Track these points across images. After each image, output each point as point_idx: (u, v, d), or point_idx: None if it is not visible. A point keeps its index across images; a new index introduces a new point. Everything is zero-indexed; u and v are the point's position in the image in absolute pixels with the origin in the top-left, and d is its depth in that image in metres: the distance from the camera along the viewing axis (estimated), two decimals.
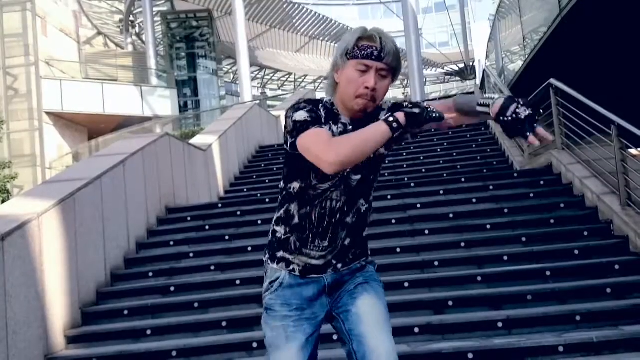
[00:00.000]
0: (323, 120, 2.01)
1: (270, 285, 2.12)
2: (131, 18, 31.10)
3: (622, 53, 8.78)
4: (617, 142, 5.52)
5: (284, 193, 2.12)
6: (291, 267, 2.10)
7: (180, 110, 26.83)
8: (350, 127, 2.04)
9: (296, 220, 2.08)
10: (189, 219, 7.39)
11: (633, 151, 6.15)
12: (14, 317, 4.34)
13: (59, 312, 4.98)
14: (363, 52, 1.98)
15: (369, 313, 2.06)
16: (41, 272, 4.79)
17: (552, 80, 7.29)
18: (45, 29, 24.06)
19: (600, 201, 5.90)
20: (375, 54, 1.97)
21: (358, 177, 2.06)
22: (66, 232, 5.23)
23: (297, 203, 2.08)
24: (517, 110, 1.83)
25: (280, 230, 2.14)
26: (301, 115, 1.97)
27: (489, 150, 10.11)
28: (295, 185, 2.07)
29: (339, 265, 2.10)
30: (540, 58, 9.98)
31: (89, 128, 24.13)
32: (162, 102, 24.73)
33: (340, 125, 2.05)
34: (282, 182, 2.15)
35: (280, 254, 2.13)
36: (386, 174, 8.87)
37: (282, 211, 2.13)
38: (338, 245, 2.08)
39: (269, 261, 2.16)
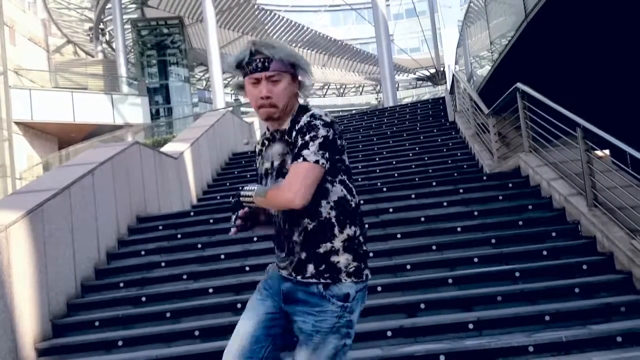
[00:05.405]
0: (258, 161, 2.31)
1: (267, 270, 2.29)
2: (101, 26, 30.84)
3: (586, 56, 8.95)
4: (582, 144, 5.61)
5: None
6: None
7: (152, 118, 26.63)
8: (266, 142, 2.22)
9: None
10: (160, 227, 7.34)
11: (599, 153, 6.26)
12: None
13: (28, 324, 4.91)
14: (249, 68, 2.11)
15: None
16: (9, 284, 4.72)
17: (519, 84, 7.40)
18: (13, 37, 23.75)
19: (567, 202, 6.00)
20: (260, 65, 2.09)
21: None
22: (35, 243, 5.16)
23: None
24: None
25: None
26: None
27: (459, 154, 10.22)
28: None
29: (298, 277, 2.10)
30: (507, 63, 10.12)
31: (59, 137, 23.82)
32: (134, 110, 24.52)
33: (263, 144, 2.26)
34: None
35: None
36: (359, 179, 8.92)
37: None
38: (295, 258, 2.11)
39: None
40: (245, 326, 2.15)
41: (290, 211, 2.08)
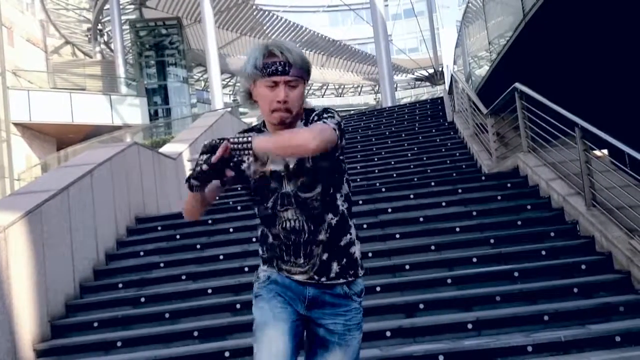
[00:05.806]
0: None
1: (258, 278, 2.20)
2: (99, 27, 30.83)
3: (584, 56, 8.96)
4: (581, 144, 5.62)
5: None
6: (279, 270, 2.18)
7: (151, 119, 26.59)
8: None
9: (270, 240, 2.16)
10: (159, 228, 7.33)
11: (597, 152, 6.26)
12: None
13: (27, 325, 4.90)
14: (268, 70, 2.04)
15: None
16: (8, 285, 4.71)
17: (517, 84, 7.40)
18: (11, 38, 23.73)
19: (565, 202, 6.01)
20: (280, 69, 2.03)
21: (309, 194, 2.08)
22: (33, 244, 5.15)
23: (263, 223, 2.18)
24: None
25: (260, 249, 2.24)
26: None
27: (457, 154, 10.22)
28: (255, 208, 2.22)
29: (323, 279, 2.11)
30: (505, 63, 10.12)
31: (58, 138, 23.78)
32: (132, 111, 24.48)
33: None
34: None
35: (266, 266, 2.20)
36: (358, 180, 8.92)
37: (258, 232, 2.23)
38: (316, 260, 2.10)
39: (261, 263, 2.25)
40: (280, 339, 2.04)
41: (313, 209, 2.08)
